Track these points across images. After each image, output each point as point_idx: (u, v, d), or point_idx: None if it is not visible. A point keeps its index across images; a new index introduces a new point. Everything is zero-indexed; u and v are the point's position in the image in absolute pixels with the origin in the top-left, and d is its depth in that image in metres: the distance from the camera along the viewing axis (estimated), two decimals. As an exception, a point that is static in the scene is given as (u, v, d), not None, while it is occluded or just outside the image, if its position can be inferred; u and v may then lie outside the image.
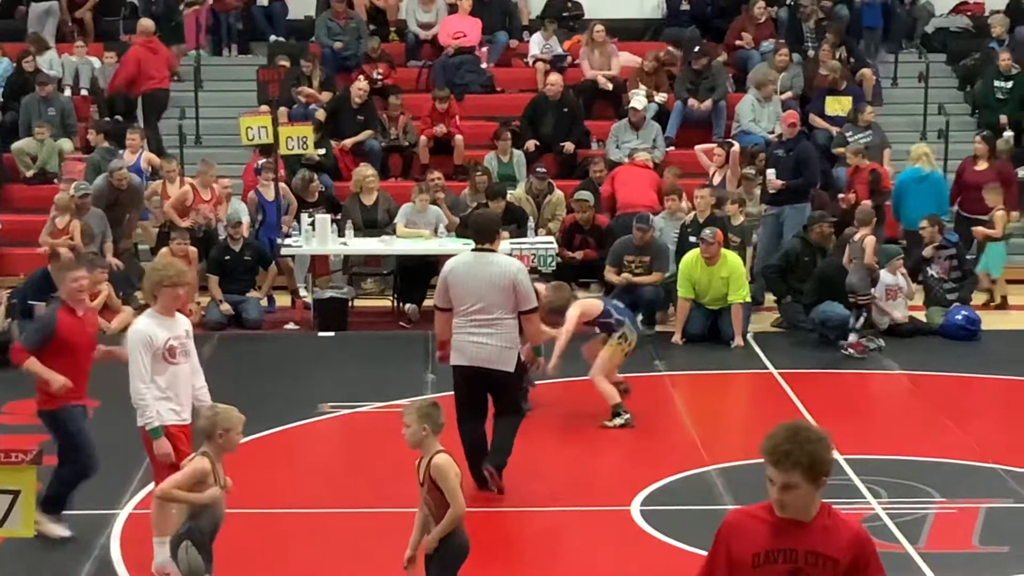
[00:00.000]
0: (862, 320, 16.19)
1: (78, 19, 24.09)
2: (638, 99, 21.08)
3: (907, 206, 19.16)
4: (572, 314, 13.26)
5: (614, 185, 19.39)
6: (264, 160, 18.98)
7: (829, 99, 21.46)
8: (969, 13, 25.04)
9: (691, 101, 21.68)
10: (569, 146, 21.05)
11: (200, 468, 8.33)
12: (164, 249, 17.60)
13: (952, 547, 10.43)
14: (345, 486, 11.77)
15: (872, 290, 16.59)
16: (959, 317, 17.11)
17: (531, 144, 20.92)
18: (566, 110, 21.35)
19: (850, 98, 21.37)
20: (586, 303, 13.60)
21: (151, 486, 11.68)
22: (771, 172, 18.60)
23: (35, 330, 10.33)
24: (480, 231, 11.43)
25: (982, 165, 19.77)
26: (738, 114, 21.26)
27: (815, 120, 21.39)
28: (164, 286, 9.54)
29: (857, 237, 16.75)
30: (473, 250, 11.39)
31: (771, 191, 18.52)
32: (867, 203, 18.43)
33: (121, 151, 19.81)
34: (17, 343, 10.35)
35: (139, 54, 21.75)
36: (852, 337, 16.13)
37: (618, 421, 13.18)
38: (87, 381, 10.30)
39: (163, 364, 9.48)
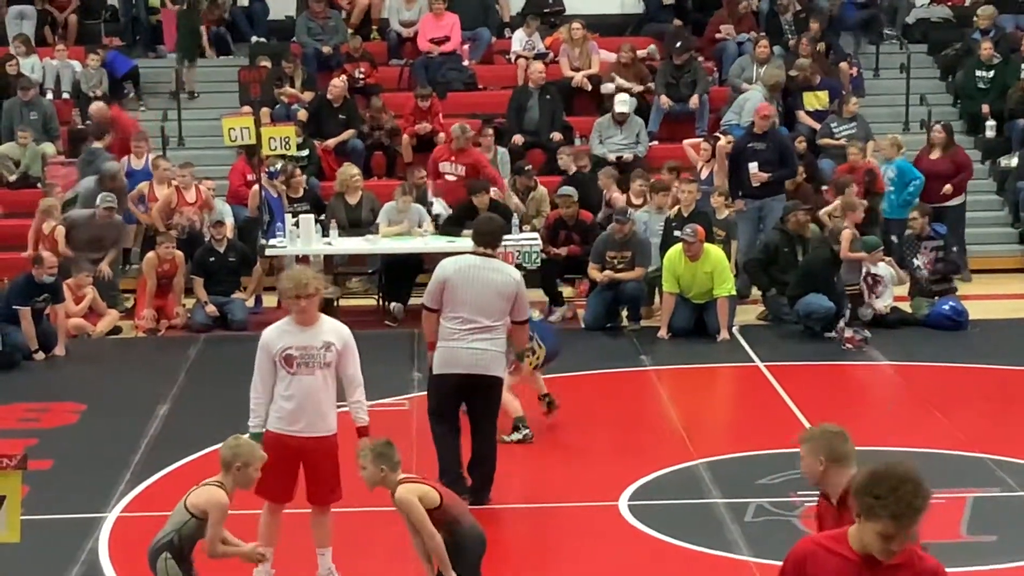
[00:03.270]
0: (848, 312, 16.23)
1: (61, 22, 24.02)
2: (620, 100, 21.06)
3: (888, 196, 19.26)
4: None
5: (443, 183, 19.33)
6: (282, 164, 18.86)
7: (806, 95, 21.52)
8: (950, 3, 25.08)
9: (664, 99, 21.62)
10: (557, 135, 21.04)
11: (222, 506, 8.21)
12: (150, 253, 17.58)
13: (940, 537, 10.40)
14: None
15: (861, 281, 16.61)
16: (946, 308, 17.11)
17: (518, 138, 20.89)
18: (548, 98, 21.37)
19: (826, 92, 21.45)
20: None
21: (140, 488, 11.73)
22: (753, 166, 18.57)
23: None
24: (486, 235, 11.07)
25: (936, 154, 19.80)
26: (742, 108, 21.04)
27: (801, 116, 21.41)
28: (286, 298, 9.49)
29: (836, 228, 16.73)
30: (473, 253, 11.05)
31: (755, 184, 18.51)
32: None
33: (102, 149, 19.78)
34: None
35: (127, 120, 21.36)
36: (848, 332, 16.13)
37: (516, 436, 12.62)
38: None
39: (281, 371, 9.38)
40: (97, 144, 19.92)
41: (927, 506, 5.27)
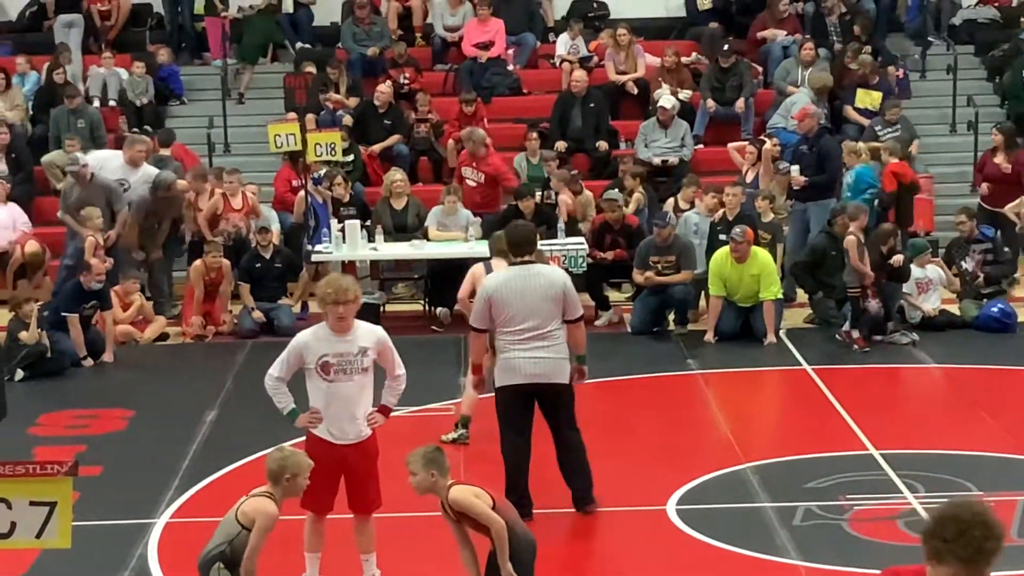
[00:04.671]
0: (850, 313, 16.18)
1: (109, 30, 24.13)
2: (666, 98, 21.04)
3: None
4: (468, 276, 12.79)
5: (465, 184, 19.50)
6: (327, 171, 18.89)
7: (860, 92, 21.37)
8: (996, 4, 24.94)
9: (711, 103, 21.58)
10: (603, 145, 21.02)
11: (271, 517, 8.22)
12: (197, 262, 17.61)
13: (991, 541, 10.35)
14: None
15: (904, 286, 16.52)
16: (995, 310, 17.02)
17: (561, 145, 20.89)
18: (592, 106, 21.35)
19: (880, 93, 21.31)
20: (478, 269, 12.66)
21: (189, 494, 11.77)
22: (795, 168, 18.51)
23: None
24: (519, 244, 10.95)
25: (1000, 157, 19.66)
26: (788, 111, 20.87)
27: (848, 112, 21.32)
28: (326, 304, 9.43)
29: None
30: (512, 264, 10.96)
31: (795, 187, 18.47)
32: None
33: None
34: None
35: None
36: (845, 325, 16.06)
37: (451, 436, 12.62)
38: None
39: (317, 379, 9.37)
40: (164, 151, 20.00)
41: (1000, 548, 4.94)
